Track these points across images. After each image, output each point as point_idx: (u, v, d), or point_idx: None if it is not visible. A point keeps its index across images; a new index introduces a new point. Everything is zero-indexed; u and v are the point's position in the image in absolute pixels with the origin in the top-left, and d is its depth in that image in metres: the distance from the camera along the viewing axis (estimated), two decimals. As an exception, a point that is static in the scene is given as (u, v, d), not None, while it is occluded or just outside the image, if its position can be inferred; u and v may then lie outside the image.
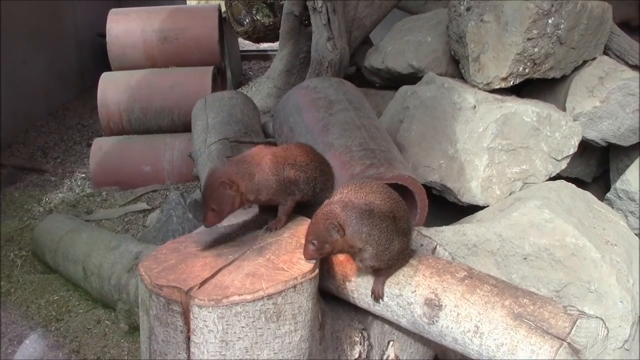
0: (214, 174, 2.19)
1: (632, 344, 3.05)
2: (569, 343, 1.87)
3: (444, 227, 3.16)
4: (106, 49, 6.44)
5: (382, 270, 2.19)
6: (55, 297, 4.07)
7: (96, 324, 3.81)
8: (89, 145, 5.96)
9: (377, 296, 2.22)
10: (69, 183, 5.80)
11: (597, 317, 1.95)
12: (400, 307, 2.18)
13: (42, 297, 4.07)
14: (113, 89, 5.93)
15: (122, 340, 3.67)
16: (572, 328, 1.89)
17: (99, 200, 5.35)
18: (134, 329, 3.68)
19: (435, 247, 2.49)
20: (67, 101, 7.50)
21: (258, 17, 6.88)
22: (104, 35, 6.52)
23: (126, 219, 4.97)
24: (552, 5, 3.56)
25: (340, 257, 2.29)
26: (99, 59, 7.00)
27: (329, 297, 2.38)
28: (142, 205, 5.17)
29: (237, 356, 1.92)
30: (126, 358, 3.55)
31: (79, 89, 7.68)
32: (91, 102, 6.72)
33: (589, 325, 1.92)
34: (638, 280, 3.13)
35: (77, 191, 5.63)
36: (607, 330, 1.97)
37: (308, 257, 2.06)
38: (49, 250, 4.35)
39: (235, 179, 2.17)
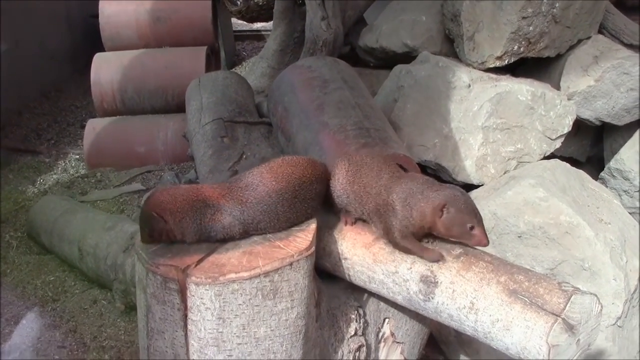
0: None
1: (624, 321, 3.08)
2: (563, 319, 1.89)
3: (439, 206, 3.16)
4: (99, 29, 6.40)
5: None
6: (51, 278, 4.07)
7: (92, 304, 3.82)
8: (83, 127, 5.94)
9: None
10: (63, 164, 5.78)
11: (591, 294, 1.97)
12: (396, 284, 2.19)
13: (38, 277, 4.08)
14: (106, 69, 5.90)
15: (118, 320, 3.69)
16: (566, 304, 1.91)
17: (93, 181, 5.34)
18: (130, 308, 3.70)
19: (431, 225, 2.50)
20: (60, 82, 7.45)
21: (251, -3, 6.82)
22: (96, 16, 6.48)
23: (121, 200, 4.97)
24: (548, -16, 3.55)
25: (345, 231, 2.32)
26: (92, 40, 6.95)
27: (325, 275, 2.39)
28: (136, 185, 5.17)
29: (234, 333, 1.94)
30: (122, 337, 3.57)
31: (72, 70, 7.63)
32: (84, 83, 6.67)
33: (583, 301, 1.93)
34: (638, 258, 3.15)
35: (71, 172, 5.62)
36: (601, 306, 1.99)
37: None
38: (44, 231, 4.35)
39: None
